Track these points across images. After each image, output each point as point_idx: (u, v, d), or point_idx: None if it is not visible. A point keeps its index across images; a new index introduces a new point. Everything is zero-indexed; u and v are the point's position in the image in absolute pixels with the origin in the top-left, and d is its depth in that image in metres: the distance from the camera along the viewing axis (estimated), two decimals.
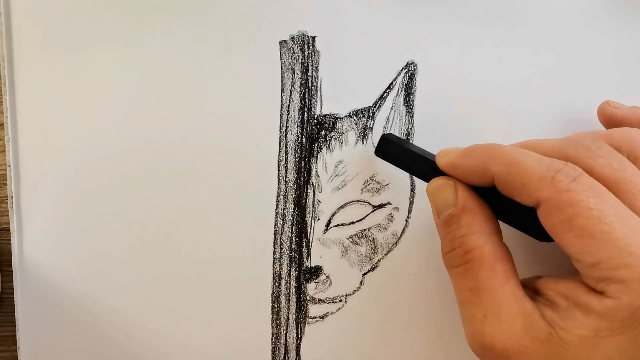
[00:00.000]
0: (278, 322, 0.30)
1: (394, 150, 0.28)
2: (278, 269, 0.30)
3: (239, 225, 0.30)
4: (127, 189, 0.29)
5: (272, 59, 0.29)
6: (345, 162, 0.29)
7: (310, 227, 0.30)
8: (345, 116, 0.29)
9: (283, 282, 0.30)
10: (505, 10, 0.29)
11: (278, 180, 0.29)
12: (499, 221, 0.24)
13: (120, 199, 0.29)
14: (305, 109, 0.29)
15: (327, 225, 0.30)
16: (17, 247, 0.29)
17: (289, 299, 0.30)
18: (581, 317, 0.21)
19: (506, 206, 0.24)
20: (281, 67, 0.29)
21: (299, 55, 0.29)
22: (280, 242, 0.30)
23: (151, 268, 0.30)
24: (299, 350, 0.31)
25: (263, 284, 0.30)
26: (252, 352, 0.31)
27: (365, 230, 0.30)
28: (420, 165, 0.26)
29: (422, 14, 0.29)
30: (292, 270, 0.30)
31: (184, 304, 0.30)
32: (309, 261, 0.30)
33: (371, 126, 0.29)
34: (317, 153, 0.29)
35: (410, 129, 0.30)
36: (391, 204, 0.30)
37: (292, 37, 0.29)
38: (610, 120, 0.28)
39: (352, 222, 0.30)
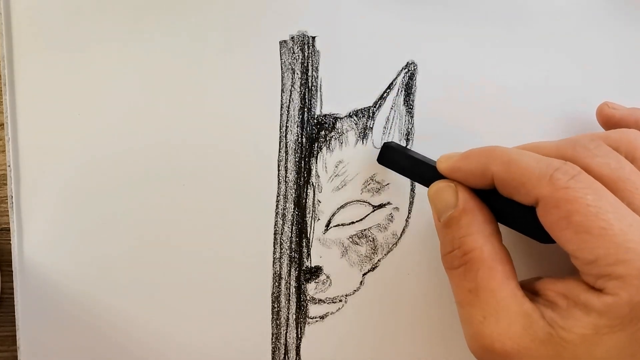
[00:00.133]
0: (278, 322, 0.30)
1: (396, 157, 0.28)
2: (278, 269, 0.30)
3: (239, 225, 0.30)
4: (127, 189, 0.29)
5: (272, 59, 0.29)
6: (345, 162, 0.29)
7: (310, 227, 0.30)
8: (345, 116, 0.29)
9: (283, 282, 0.30)
10: (505, 10, 0.29)
11: (278, 180, 0.29)
12: (498, 224, 0.25)
13: (120, 199, 0.29)
14: (305, 109, 0.29)
15: (327, 225, 0.30)
16: (17, 247, 0.29)
17: (289, 299, 0.30)
18: (581, 316, 0.21)
19: (506, 208, 0.24)
20: (281, 67, 0.29)
21: (299, 55, 0.29)
22: (280, 242, 0.30)
23: (151, 268, 0.30)
24: (299, 350, 0.31)
25: (263, 284, 0.30)
26: (252, 352, 0.31)
27: (365, 230, 0.30)
28: (422, 171, 0.27)
29: (422, 14, 0.29)
30: (292, 270, 0.30)
31: (183, 304, 0.30)
32: (309, 261, 0.30)
33: (371, 126, 0.29)
34: (317, 153, 0.29)
35: (410, 129, 0.30)
36: (391, 204, 0.30)
37: (292, 37, 0.29)
38: (608, 121, 0.28)
39: (352, 222, 0.30)
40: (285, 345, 0.31)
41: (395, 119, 0.29)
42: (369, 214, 0.30)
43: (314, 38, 0.29)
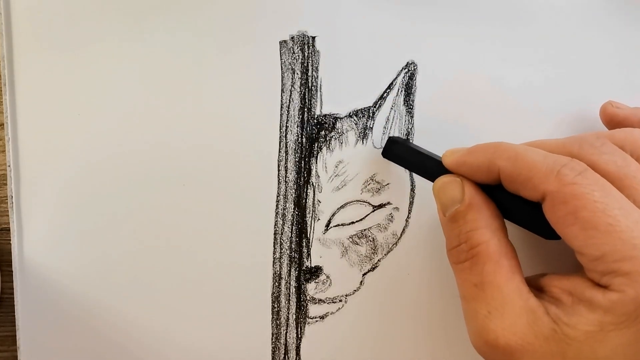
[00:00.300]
0: (278, 322, 0.30)
1: (401, 151, 0.28)
2: (278, 269, 0.30)
3: (239, 225, 0.30)
4: (127, 189, 0.29)
5: (272, 59, 0.29)
6: (345, 162, 0.29)
7: (310, 227, 0.30)
8: (345, 116, 0.29)
9: (283, 282, 0.30)
10: (505, 10, 0.29)
11: (278, 180, 0.29)
12: (504, 219, 0.25)
13: (120, 199, 0.29)
14: (305, 109, 0.29)
15: (327, 225, 0.30)
16: (17, 247, 0.29)
17: (289, 299, 0.30)
18: (586, 313, 0.21)
19: (512, 204, 0.24)
20: (281, 67, 0.29)
21: (299, 55, 0.29)
22: (280, 242, 0.30)
23: (151, 268, 0.30)
24: (299, 350, 0.31)
25: (263, 284, 0.30)
26: (252, 352, 0.31)
27: (365, 230, 0.30)
28: (427, 165, 0.27)
29: (422, 13, 0.29)
30: (292, 270, 0.30)
31: (183, 304, 0.30)
32: (309, 261, 0.30)
33: (371, 126, 0.29)
34: (317, 153, 0.29)
35: (410, 129, 0.30)
36: (391, 204, 0.30)
37: (292, 37, 0.29)
38: (612, 120, 0.28)
39: (352, 222, 0.30)
40: (285, 345, 0.31)
41: (395, 119, 0.29)
42: (369, 214, 0.30)
43: (314, 38, 0.29)
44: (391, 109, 0.29)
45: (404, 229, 0.30)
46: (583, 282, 0.22)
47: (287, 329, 0.31)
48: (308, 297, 0.30)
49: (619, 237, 0.20)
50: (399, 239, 0.30)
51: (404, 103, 0.29)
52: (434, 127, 0.30)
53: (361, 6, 0.29)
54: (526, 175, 0.22)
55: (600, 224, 0.20)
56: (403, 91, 0.29)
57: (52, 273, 0.29)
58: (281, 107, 0.29)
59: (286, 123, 0.29)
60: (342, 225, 0.30)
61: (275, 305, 0.30)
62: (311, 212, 0.30)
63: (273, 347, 0.31)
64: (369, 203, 0.30)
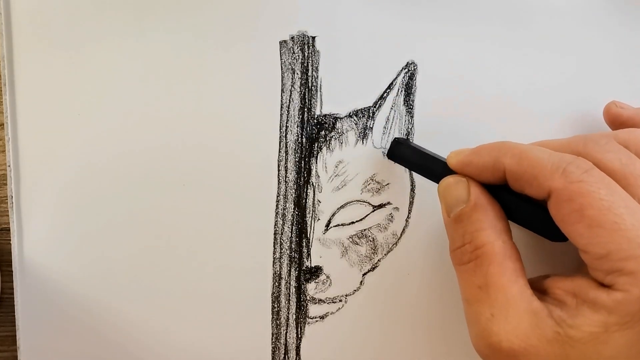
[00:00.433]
0: (278, 322, 0.30)
1: (406, 152, 0.28)
2: (278, 269, 0.30)
3: (239, 225, 0.30)
4: (126, 189, 0.29)
5: (272, 59, 0.29)
6: (345, 162, 0.29)
7: (310, 227, 0.30)
8: (345, 116, 0.29)
9: (283, 282, 0.30)
10: (505, 10, 0.29)
11: (278, 180, 0.29)
12: (508, 221, 0.25)
13: (120, 199, 0.29)
14: (305, 109, 0.29)
15: (327, 225, 0.30)
16: (17, 247, 0.29)
17: (289, 299, 0.30)
18: (590, 314, 0.21)
19: (517, 205, 0.24)
20: (281, 67, 0.29)
21: (299, 55, 0.29)
22: (280, 242, 0.30)
23: (151, 268, 0.30)
24: (299, 350, 0.31)
25: (263, 284, 0.30)
26: (252, 352, 0.31)
27: (365, 230, 0.30)
28: (432, 166, 0.27)
29: (422, 13, 0.29)
30: (292, 270, 0.30)
31: (183, 304, 0.30)
32: (309, 261, 0.30)
33: (371, 126, 0.29)
34: (317, 153, 0.29)
35: (410, 129, 0.30)
36: (391, 204, 0.30)
37: (292, 37, 0.29)
38: (615, 120, 0.28)
39: (352, 222, 0.30)
40: (285, 345, 0.31)
41: (395, 119, 0.29)
42: (369, 214, 0.30)
43: (314, 38, 0.29)
44: (391, 109, 0.29)
45: (404, 229, 0.30)
46: (587, 283, 0.22)
47: (287, 329, 0.31)
48: (308, 297, 0.30)
49: (625, 236, 0.20)
50: (399, 239, 0.30)
51: (404, 103, 0.29)
52: (434, 127, 0.30)
53: (361, 6, 0.29)
54: (531, 173, 0.22)
55: (605, 222, 0.20)
56: (403, 91, 0.29)
57: (52, 273, 0.29)
58: (281, 107, 0.29)
59: (286, 123, 0.29)
60: (342, 225, 0.30)
61: (275, 305, 0.30)
62: (311, 212, 0.30)
63: (273, 347, 0.31)
64: (369, 203, 0.30)
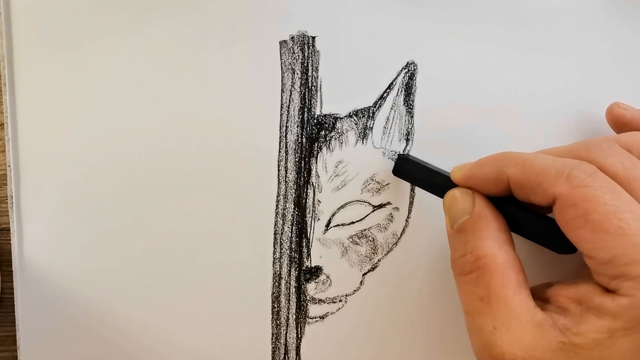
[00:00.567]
0: (278, 322, 0.30)
1: (411, 168, 0.28)
2: (278, 269, 0.30)
3: (239, 225, 0.30)
4: (126, 189, 0.29)
5: (272, 59, 0.29)
6: (345, 162, 0.29)
7: (310, 227, 0.30)
8: (345, 116, 0.29)
9: (283, 282, 0.30)
10: (505, 10, 0.29)
11: (278, 180, 0.29)
12: (512, 233, 0.24)
13: (120, 198, 0.29)
14: (305, 109, 0.29)
15: (327, 225, 0.30)
16: (17, 247, 0.29)
17: (289, 299, 0.30)
18: (594, 320, 0.21)
19: (523, 217, 0.24)
20: (281, 67, 0.29)
21: (299, 55, 0.29)
22: (280, 242, 0.30)
23: (151, 268, 0.30)
24: (299, 350, 0.31)
25: (263, 284, 0.30)
26: (252, 352, 0.31)
27: (365, 230, 0.30)
28: (437, 181, 0.27)
29: (422, 13, 0.29)
30: (292, 270, 0.30)
31: (183, 304, 0.30)
32: (309, 261, 0.30)
33: (371, 126, 0.29)
34: (317, 153, 0.29)
35: (410, 129, 0.30)
36: (391, 204, 0.30)
37: (292, 37, 0.29)
38: (618, 121, 0.28)
39: (352, 222, 0.30)
40: (285, 345, 0.31)
41: (395, 119, 0.29)
42: (369, 214, 0.30)
43: (314, 38, 0.29)
44: (391, 109, 0.29)
45: (404, 229, 0.30)
46: (591, 289, 0.21)
47: (287, 329, 0.31)
48: (308, 297, 0.30)
49: (630, 241, 0.20)
50: (399, 239, 0.30)
51: (404, 103, 0.29)
52: (434, 127, 0.30)
53: (361, 6, 0.29)
54: (535, 180, 0.22)
55: (610, 227, 0.20)
56: (403, 91, 0.29)
57: (52, 273, 0.29)
58: (281, 107, 0.29)
59: (286, 123, 0.29)
60: (342, 225, 0.30)
61: (275, 305, 0.30)
62: (311, 212, 0.30)
63: (273, 347, 0.31)
64: (369, 203, 0.30)
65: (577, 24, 0.29)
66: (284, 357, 0.31)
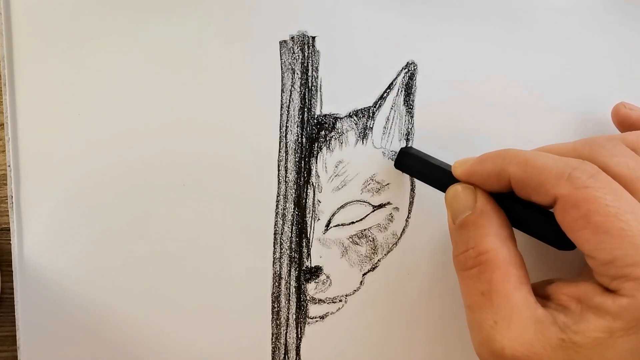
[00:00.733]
0: (278, 322, 0.30)
1: (413, 162, 0.28)
2: (278, 269, 0.30)
3: (239, 225, 0.30)
4: (126, 189, 0.29)
5: (272, 58, 0.29)
6: (345, 162, 0.29)
7: (310, 227, 0.30)
8: (345, 116, 0.29)
9: (283, 282, 0.30)
10: (505, 9, 0.29)
11: (278, 180, 0.29)
12: (513, 229, 0.24)
13: (120, 198, 0.29)
14: (305, 109, 0.29)
15: (327, 225, 0.30)
16: (17, 247, 0.29)
17: (289, 299, 0.30)
18: (595, 319, 0.21)
19: (524, 213, 0.24)
20: (281, 67, 0.29)
21: (299, 55, 0.29)
22: (280, 242, 0.30)
23: (151, 268, 0.30)
24: (299, 350, 0.31)
25: (263, 284, 0.30)
26: (252, 352, 0.31)
27: (365, 230, 0.30)
28: (439, 175, 0.27)
29: (422, 13, 0.29)
30: (292, 270, 0.30)
31: (183, 304, 0.30)
32: (309, 261, 0.30)
33: (371, 126, 0.29)
34: (317, 153, 0.29)
35: (410, 129, 0.30)
36: (391, 204, 0.30)
37: (292, 37, 0.29)
38: (624, 121, 0.28)
39: (352, 222, 0.30)
40: (285, 345, 0.31)
41: (395, 119, 0.29)
42: (369, 214, 0.30)
43: (314, 38, 0.29)
44: (391, 109, 0.29)
45: (404, 229, 0.30)
46: (592, 288, 0.21)
47: (287, 329, 0.31)
48: (308, 297, 0.30)
49: (631, 242, 0.20)
50: (399, 239, 0.30)
51: (404, 103, 0.29)
52: (434, 127, 0.30)
53: (361, 6, 0.29)
54: (537, 180, 0.22)
55: (612, 228, 0.20)
56: (403, 91, 0.29)
57: (52, 273, 0.29)
58: (281, 107, 0.29)
59: (286, 123, 0.29)
60: (342, 225, 0.30)
61: (275, 305, 0.30)
62: (311, 212, 0.30)
63: (273, 347, 0.31)
64: (369, 203, 0.30)
65: (577, 24, 0.29)
66: (284, 357, 0.31)
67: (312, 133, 0.29)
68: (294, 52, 0.29)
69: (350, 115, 0.29)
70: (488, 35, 0.29)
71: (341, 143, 0.29)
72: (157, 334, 0.30)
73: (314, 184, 0.30)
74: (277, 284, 0.30)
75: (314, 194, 0.30)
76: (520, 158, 0.23)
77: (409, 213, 0.30)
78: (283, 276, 0.30)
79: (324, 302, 0.30)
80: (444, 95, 0.29)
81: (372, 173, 0.30)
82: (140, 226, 0.29)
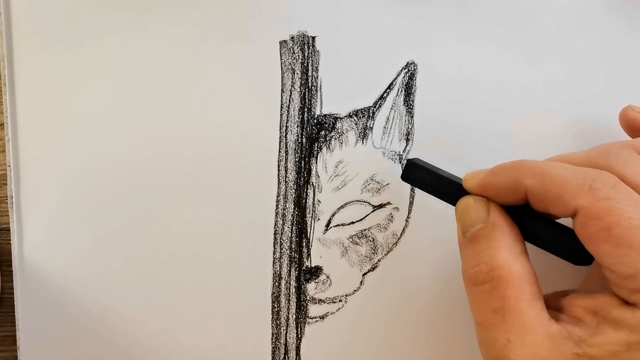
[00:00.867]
0: (278, 322, 0.30)
1: (420, 174, 0.27)
2: (278, 269, 0.30)
3: (239, 225, 0.30)
4: (126, 188, 0.29)
5: (272, 59, 0.29)
6: (345, 162, 0.29)
7: (310, 227, 0.30)
8: (345, 116, 0.29)
9: (283, 282, 0.30)
10: (505, 9, 0.29)
11: (278, 180, 0.29)
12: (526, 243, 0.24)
13: (120, 198, 0.29)
14: (305, 109, 0.29)
15: (327, 225, 0.30)
16: (17, 247, 0.29)
17: (289, 299, 0.30)
18: (612, 332, 0.20)
19: (539, 227, 0.24)
20: (281, 67, 0.29)
21: (299, 55, 0.29)
22: (280, 242, 0.30)
23: (151, 268, 0.30)
24: (299, 350, 0.31)
25: (263, 284, 0.30)
26: (252, 352, 0.31)
27: (365, 230, 0.30)
28: (448, 188, 0.26)
29: (422, 13, 0.29)
30: (292, 270, 0.30)
31: (184, 304, 0.30)
32: (309, 261, 0.30)
33: (371, 126, 0.29)
34: (317, 153, 0.29)
35: (410, 129, 0.30)
36: (391, 204, 0.30)
37: (292, 37, 0.29)
38: (632, 124, 0.27)
39: (352, 222, 0.30)
40: (285, 345, 0.31)
41: (395, 119, 0.29)
42: (369, 214, 0.30)
43: (314, 38, 0.29)
44: (391, 109, 0.29)
45: (404, 229, 0.30)
46: (609, 301, 0.21)
47: (287, 329, 0.31)
48: (308, 297, 0.30)
49: None
50: (399, 239, 0.30)
51: (404, 103, 0.29)
52: (434, 127, 0.30)
53: (361, 6, 0.29)
54: (556, 192, 0.21)
55: (634, 241, 0.20)
56: (403, 91, 0.29)
57: (52, 273, 0.29)
58: (281, 107, 0.29)
59: (286, 123, 0.29)
60: (342, 225, 0.30)
61: (275, 305, 0.30)
62: (311, 212, 0.30)
63: (273, 347, 0.31)
64: (369, 203, 0.30)
65: (577, 24, 0.29)
66: (284, 357, 0.31)
67: (312, 133, 0.29)
68: (294, 52, 0.29)
69: (350, 115, 0.29)
70: (488, 36, 0.29)
71: (341, 143, 0.29)
72: (157, 334, 0.30)
73: (314, 184, 0.30)
74: (277, 284, 0.30)
75: (314, 194, 0.30)
76: (537, 169, 0.22)
77: (409, 213, 0.30)
78: (283, 276, 0.30)
79: (324, 302, 0.30)
80: (444, 95, 0.29)
81: (372, 173, 0.30)
82: (141, 226, 0.29)
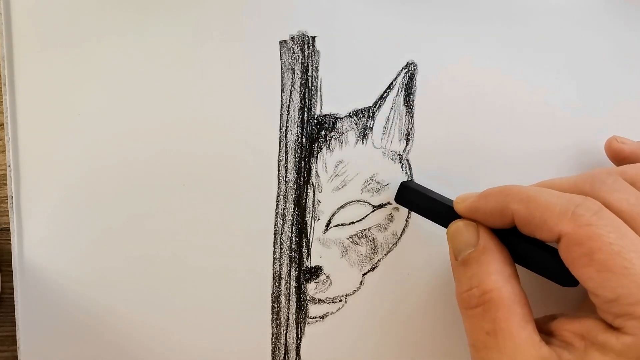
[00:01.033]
0: (278, 322, 0.30)
1: (413, 197, 0.28)
2: (278, 269, 0.30)
3: (239, 225, 0.30)
4: (126, 188, 0.29)
5: (272, 58, 0.29)
6: (345, 162, 0.29)
7: (310, 227, 0.30)
8: (345, 116, 0.29)
9: (283, 282, 0.30)
10: (505, 9, 0.29)
11: (278, 180, 0.29)
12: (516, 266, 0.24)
13: (120, 198, 0.29)
14: (305, 109, 0.29)
15: (327, 225, 0.30)
16: (17, 247, 0.29)
17: (289, 299, 0.30)
18: (598, 357, 0.21)
19: (526, 249, 0.24)
20: (281, 67, 0.29)
21: (299, 55, 0.29)
22: (280, 242, 0.30)
23: (151, 268, 0.30)
24: (299, 350, 0.31)
25: (263, 284, 0.30)
26: (252, 352, 0.31)
27: (365, 230, 0.30)
28: (439, 211, 0.27)
29: (422, 13, 0.29)
30: (292, 270, 0.30)
31: (183, 304, 0.30)
32: (309, 261, 0.30)
33: (371, 126, 0.29)
34: (317, 153, 0.29)
35: (410, 129, 0.30)
36: (391, 204, 0.30)
37: (292, 37, 0.29)
38: (618, 155, 0.28)
39: (352, 222, 0.30)
40: (285, 345, 0.31)
41: (395, 119, 0.29)
42: (369, 214, 0.30)
43: (314, 38, 0.29)
44: (391, 109, 0.29)
45: (404, 229, 0.30)
46: (595, 325, 0.22)
47: (287, 329, 0.31)
48: (308, 297, 0.30)
49: (634, 281, 0.20)
50: (399, 239, 0.30)
51: (404, 103, 0.29)
52: (434, 127, 0.30)
53: (361, 6, 0.29)
54: (540, 218, 0.22)
55: (615, 266, 0.20)
56: (403, 91, 0.29)
57: (52, 273, 0.29)
58: (281, 107, 0.29)
59: (286, 123, 0.29)
60: (342, 225, 0.30)
61: (275, 305, 0.30)
62: (311, 212, 0.30)
63: (273, 347, 0.31)
64: (369, 203, 0.30)
65: (577, 24, 0.29)
66: (284, 357, 0.31)
67: (312, 133, 0.29)
68: (294, 52, 0.29)
69: (350, 115, 0.29)
70: (488, 35, 0.29)
71: (341, 143, 0.29)
72: (157, 334, 0.30)
73: (314, 184, 0.30)
74: (277, 284, 0.30)
75: (314, 194, 0.30)
76: (522, 195, 0.23)
77: (409, 213, 0.30)
78: (283, 276, 0.30)
79: (324, 302, 0.30)
80: (444, 95, 0.29)
81: (372, 173, 0.30)
82: (141, 226, 0.29)
